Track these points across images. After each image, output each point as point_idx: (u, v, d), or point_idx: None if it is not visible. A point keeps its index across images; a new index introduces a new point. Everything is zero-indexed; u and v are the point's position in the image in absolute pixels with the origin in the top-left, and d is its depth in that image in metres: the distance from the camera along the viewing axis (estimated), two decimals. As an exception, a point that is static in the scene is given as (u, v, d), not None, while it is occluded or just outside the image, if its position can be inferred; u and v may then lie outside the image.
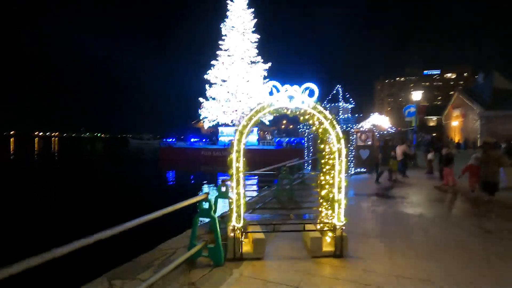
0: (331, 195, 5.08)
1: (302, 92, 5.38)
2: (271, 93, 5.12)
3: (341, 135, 5.13)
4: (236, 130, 4.95)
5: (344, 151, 5.05)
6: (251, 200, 9.14)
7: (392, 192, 11.58)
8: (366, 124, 17.63)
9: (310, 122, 5.28)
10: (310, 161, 18.90)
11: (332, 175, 5.14)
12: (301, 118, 5.35)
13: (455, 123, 53.80)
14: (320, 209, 5.26)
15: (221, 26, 42.86)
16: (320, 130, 5.33)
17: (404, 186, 13.07)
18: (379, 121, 18.73)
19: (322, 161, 5.52)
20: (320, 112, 5.18)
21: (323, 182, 5.32)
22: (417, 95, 20.98)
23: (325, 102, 21.58)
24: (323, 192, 5.31)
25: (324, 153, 5.50)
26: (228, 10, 43.08)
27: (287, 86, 5.12)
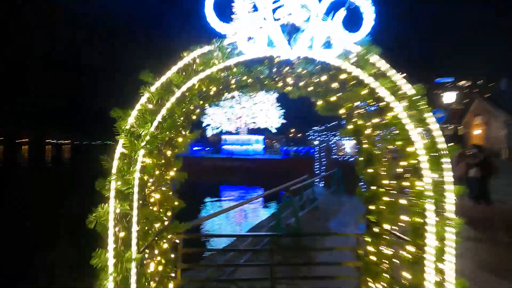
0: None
1: (327, 14, 2.07)
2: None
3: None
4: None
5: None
6: (226, 245, 6.23)
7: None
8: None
9: (347, 105, 2.40)
10: (322, 177, 15.94)
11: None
12: (323, 99, 2.50)
13: (477, 131, 50.49)
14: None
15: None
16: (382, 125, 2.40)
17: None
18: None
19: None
20: (381, 75, 2.21)
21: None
22: (449, 98, 18.11)
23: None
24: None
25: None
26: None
27: None
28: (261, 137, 44.06)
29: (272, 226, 7.49)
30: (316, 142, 17.97)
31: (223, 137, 44.27)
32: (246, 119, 41.75)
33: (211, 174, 34.05)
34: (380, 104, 2.25)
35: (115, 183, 1.91)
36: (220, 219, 13.82)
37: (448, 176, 2.07)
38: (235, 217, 15.06)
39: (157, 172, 2.42)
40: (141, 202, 2.02)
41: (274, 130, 44.47)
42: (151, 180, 2.30)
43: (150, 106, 2.08)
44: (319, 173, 16.30)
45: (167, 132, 2.10)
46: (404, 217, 2.57)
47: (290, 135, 70.57)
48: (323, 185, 15.82)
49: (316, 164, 17.68)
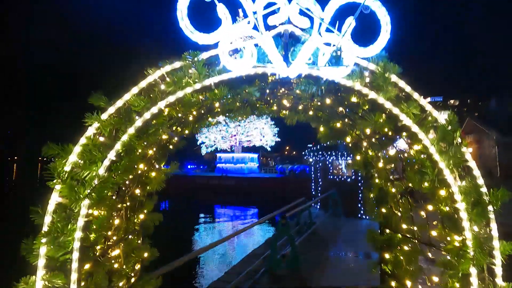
0: None
1: (333, 23, 1.62)
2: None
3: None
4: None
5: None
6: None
7: None
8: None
9: (352, 134, 1.84)
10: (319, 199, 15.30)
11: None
12: (325, 125, 1.91)
13: (469, 149, 51.12)
14: None
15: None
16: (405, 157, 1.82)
17: None
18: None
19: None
20: (402, 100, 1.59)
21: None
22: (442, 117, 17.90)
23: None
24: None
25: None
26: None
27: None
28: (255, 155, 43.60)
29: (268, 257, 6.85)
30: (311, 160, 17.46)
31: (218, 155, 43.76)
32: (240, 137, 41.39)
33: (205, 193, 33.24)
34: (404, 134, 1.77)
35: (45, 247, 1.36)
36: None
37: (494, 230, 1.59)
38: (227, 242, 14.24)
39: (116, 221, 1.87)
40: (87, 266, 1.47)
41: (268, 148, 44.13)
42: (109, 232, 1.75)
43: (102, 139, 1.57)
44: (316, 194, 15.68)
45: (124, 174, 1.57)
46: (430, 269, 2.04)
47: (285, 153, 70.34)
48: (320, 206, 15.19)
49: (312, 184, 17.08)
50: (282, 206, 8.63)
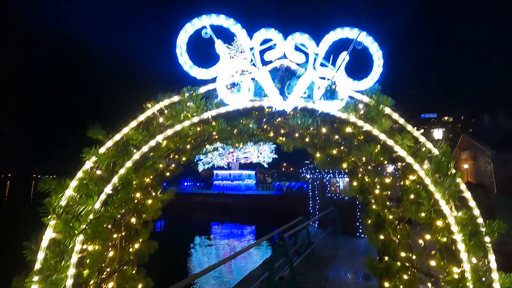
0: None
1: (327, 58, 1.75)
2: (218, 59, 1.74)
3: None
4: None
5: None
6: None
7: None
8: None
9: (349, 161, 1.85)
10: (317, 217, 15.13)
11: None
12: (322, 152, 1.92)
13: (465, 166, 51.42)
14: None
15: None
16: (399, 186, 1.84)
17: None
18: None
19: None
20: (396, 131, 1.66)
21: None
22: (438, 134, 18.30)
23: None
24: None
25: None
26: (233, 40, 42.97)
27: (270, 33, 1.62)
28: (253, 172, 43.42)
29: (265, 279, 6.68)
30: (308, 177, 17.41)
31: (215, 172, 43.48)
32: (237, 154, 41.35)
33: (202, 210, 32.80)
34: (398, 164, 1.79)
35: (37, 286, 1.32)
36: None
37: (492, 262, 1.58)
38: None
39: (111, 253, 1.83)
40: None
41: (266, 165, 44.01)
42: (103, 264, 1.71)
43: (99, 172, 1.57)
44: (314, 212, 15.49)
45: (120, 208, 1.56)
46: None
47: (282, 170, 70.13)
48: (318, 224, 14.97)
49: (310, 202, 16.93)
50: (280, 224, 8.51)
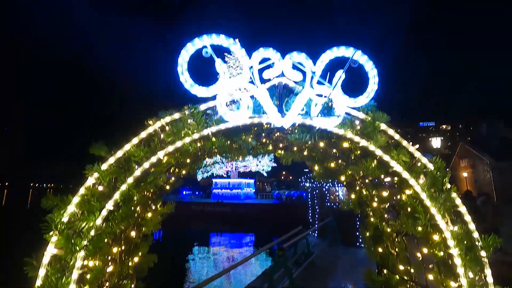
0: None
1: (323, 76, 1.82)
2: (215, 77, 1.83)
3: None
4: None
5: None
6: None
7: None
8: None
9: (346, 174, 1.88)
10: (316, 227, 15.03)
11: None
12: (320, 164, 1.95)
13: (464, 174, 51.43)
14: None
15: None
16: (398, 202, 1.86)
17: None
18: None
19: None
20: (391, 147, 1.71)
21: None
22: (436, 143, 18.45)
23: None
24: None
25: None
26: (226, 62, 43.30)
27: (268, 52, 1.77)
28: (252, 181, 43.25)
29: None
30: (307, 185, 17.38)
31: (214, 180, 43.29)
32: (236, 162, 41.34)
33: (201, 220, 32.53)
34: (395, 179, 1.83)
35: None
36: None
37: (489, 276, 1.60)
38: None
39: (110, 268, 1.83)
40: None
41: (265, 174, 43.87)
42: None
43: (101, 188, 1.60)
44: (313, 222, 15.40)
45: (121, 224, 1.58)
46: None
47: (282, 178, 69.87)
48: (317, 234, 14.86)
49: (309, 211, 16.85)
50: (279, 233, 8.45)
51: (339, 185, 14.92)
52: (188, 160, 2.08)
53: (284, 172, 73.79)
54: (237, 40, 1.73)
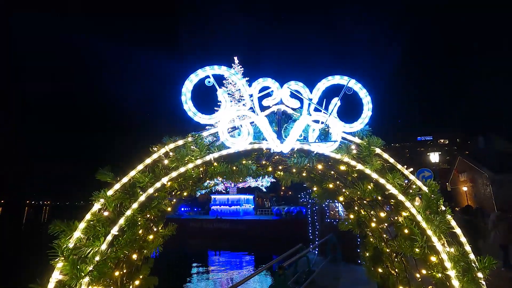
0: None
1: (320, 103, 1.98)
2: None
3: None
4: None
5: None
6: None
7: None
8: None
9: (345, 194, 1.95)
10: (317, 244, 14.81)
11: None
12: (318, 185, 2.04)
13: (464, 188, 51.19)
14: None
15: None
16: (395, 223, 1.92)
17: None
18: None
19: None
20: (386, 170, 1.80)
21: None
22: (434, 157, 18.55)
23: None
24: None
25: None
26: (225, 79, 43.93)
27: (267, 82, 1.93)
28: (251, 197, 42.85)
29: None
30: (307, 201, 17.26)
31: (212, 196, 42.84)
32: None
33: (199, 237, 31.98)
34: (391, 201, 1.89)
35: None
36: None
37: (487, 298, 1.62)
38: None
39: (112, 292, 1.85)
40: None
41: (264, 189, 43.52)
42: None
43: (106, 213, 1.64)
44: (313, 238, 15.18)
45: (125, 249, 1.62)
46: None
47: (281, 193, 69.28)
48: (318, 251, 14.61)
49: (309, 227, 16.65)
50: (279, 250, 8.34)
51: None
52: (190, 183, 2.13)
53: (283, 187, 73.37)
54: (238, 67, 1.82)
